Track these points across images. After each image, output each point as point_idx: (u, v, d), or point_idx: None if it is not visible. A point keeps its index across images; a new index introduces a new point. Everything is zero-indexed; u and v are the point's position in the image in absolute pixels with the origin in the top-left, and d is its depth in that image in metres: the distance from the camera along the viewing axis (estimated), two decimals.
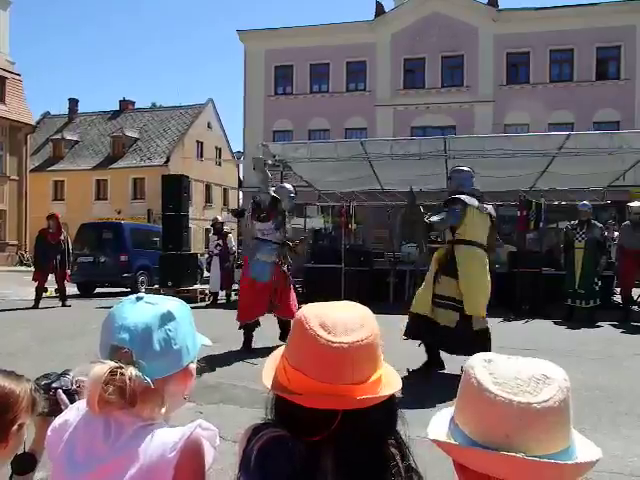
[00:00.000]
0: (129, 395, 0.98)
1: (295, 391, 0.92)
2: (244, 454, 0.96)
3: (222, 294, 11.47)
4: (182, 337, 1.09)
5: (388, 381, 0.95)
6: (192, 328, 1.15)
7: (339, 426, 0.90)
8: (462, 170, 5.56)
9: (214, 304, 11.03)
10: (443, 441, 0.81)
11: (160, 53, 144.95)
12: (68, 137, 36.97)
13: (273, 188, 6.66)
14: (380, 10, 26.11)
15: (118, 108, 39.34)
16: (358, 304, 1.00)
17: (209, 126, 37.42)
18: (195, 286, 12.36)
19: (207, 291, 11.85)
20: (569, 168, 11.58)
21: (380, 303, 10.65)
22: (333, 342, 0.89)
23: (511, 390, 0.75)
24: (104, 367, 0.99)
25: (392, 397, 0.96)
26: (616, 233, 9.95)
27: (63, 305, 10.26)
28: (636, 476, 2.98)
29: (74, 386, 1.25)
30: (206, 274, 13.22)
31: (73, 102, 40.20)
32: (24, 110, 29.50)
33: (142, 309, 1.07)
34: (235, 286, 13.46)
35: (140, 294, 1.13)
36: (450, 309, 4.97)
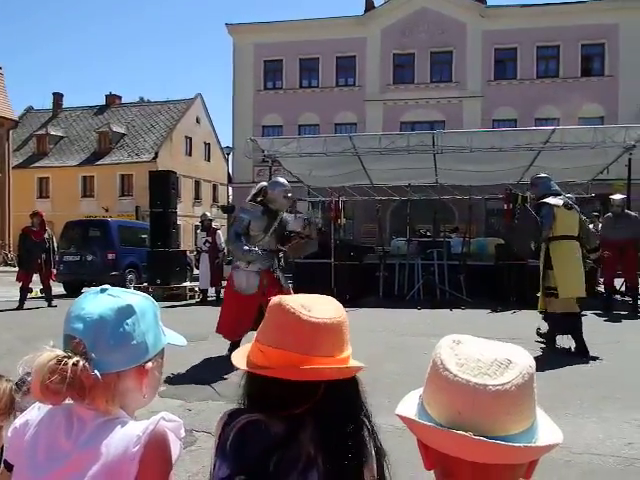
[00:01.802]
0: (77, 386, 0.96)
1: (271, 367, 0.97)
2: (220, 440, 0.99)
3: (212, 291, 11.42)
4: (141, 333, 1.05)
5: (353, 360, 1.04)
6: (156, 325, 1.10)
7: (321, 398, 0.98)
8: (543, 177, 6.32)
9: (204, 301, 10.93)
10: (403, 415, 0.83)
11: (147, 47, 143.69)
12: (53, 132, 36.36)
13: (264, 183, 5.84)
14: (370, 5, 26.17)
15: (104, 103, 38.82)
16: (331, 298, 1.10)
17: (198, 121, 37.16)
18: (184, 283, 12.21)
19: (196, 288, 11.78)
20: (555, 162, 11.76)
21: (370, 297, 10.77)
22: (316, 317, 0.99)
23: (471, 372, 0.77)
24: (50, 355, 0.96)
25: (357, 378, 1.06)
26: (599, 225, 10.11)
27: (49, 305, 10.02)
28: (615, 456, 3.09)
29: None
30: (196, 271, 13.14)
31: (57, 96, 39.52)
32: (5, 105, 28.92)
33: (102, 301, 1.04)
34: (224, 283, 13.44)
35: (105, 286, 1.10)
36: (554, 297, 5.85)
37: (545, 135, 11.20)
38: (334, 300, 1.08)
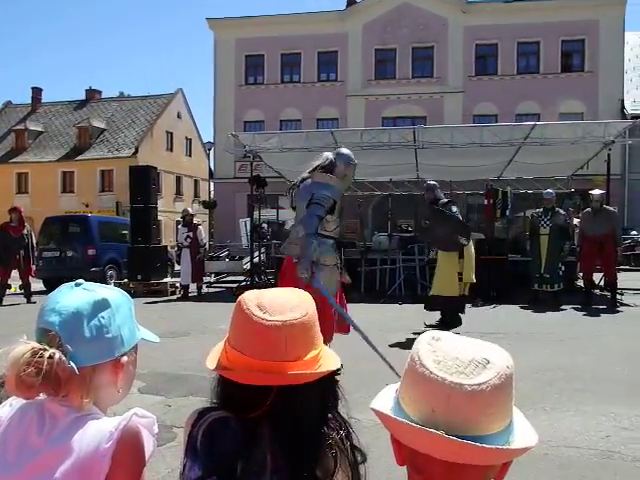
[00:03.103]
0: (52, 379, 0.95)
1: (231, 369, 0.96)
2: (189, 439, 0.97)
3: (193, 287, 11.36)
4: (116, 327, 1.06)
5: (325, 361, 0.99)
6: (131, 320, 1.11)
7: (274, 402, 0.94)
8: (434, 183, 7.00)
9: (185, 297, 10.90)
10: (377, 409, 0.82)
11: (128, 42, 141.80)
12: (32, 127, 35.77)
13: (330, 154, 4.54)
14: (351, 0, 26.11)
15: (84, 98, 38.34)
16: (301, 291, 1.04)
17: (179, 116, 36.85)
18: (166, 279, 12.20)
19: (178, 284, 11.72)
20: (535, 157, 11.87)
21: (352, 293, 10.75)
22: (267, 320, 0.94)
23: (448, 370, 0.76)
24: (26, 347, 0.96)
25: (331, 378, 1.01)
26: (576, 220, 10.25)
27: (28, 302, 9.93)
28: (592, 449, 3.11)
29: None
30: (177, 267, 13.07)
31: (37, 91, 38.90)
32: None
33: (77, 294, 1.05)
34: (206, 278, 13.38)
35: (80, 280, 1.09)
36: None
37: (525, 131, 11.27)
38: (304, 296, 1.02)
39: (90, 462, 0.95)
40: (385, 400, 0.84)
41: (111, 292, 1.09)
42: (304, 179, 4.47)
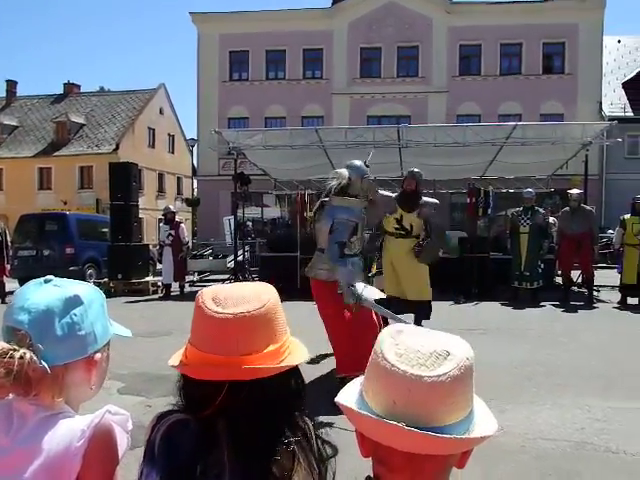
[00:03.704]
0: (23, 380, 0.93)
1: (190, 366, 0.94)
2: (147, 444, 0.94)
3: (175, 286, 11.26)
4: (89, 324, 1.03)
5: (290, 356, 0.95)
6: (103, 315, 1.08)
7: (229, 399, 0.91)
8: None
9: (167, 296, 10.80)
10: (341, 403, 0.83)
11: (108, 35, 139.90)
12: (6, 122, 34.72)
13: (345, 172, 4.35)
14: None
15: (62, 92, 37.56)
16: (267, 285, 1.01)
17: (161, 112, 36.37)
18: (147, 278, 12.04)
19: (159, 283, 11.59)
20: (516, 157, 12.04)
21: None
22: (219, 312, 0.91)
23: (409, 362, 0.77)
24: None
25: (294, 373, 0.97)
26: (551, 219, 10.43)
27: (3, 302, 9.75)
28: (568, 441, 3.21)
29: None
30: (159, 266, 12.94)
31: (11, 84, 37.82)
32: None
33: (47, 291, 1.02)
34: (189, 277, 13.28)
35: (49, 277, 1.06)
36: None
37: (507, 131, 11.43)
38: (267, 289, 0.98)
39: (61, 461, 0.93)
40: (350, 394, 0.85)
41: (82, 288, 1.06)
42: (324, 202, 4.37)
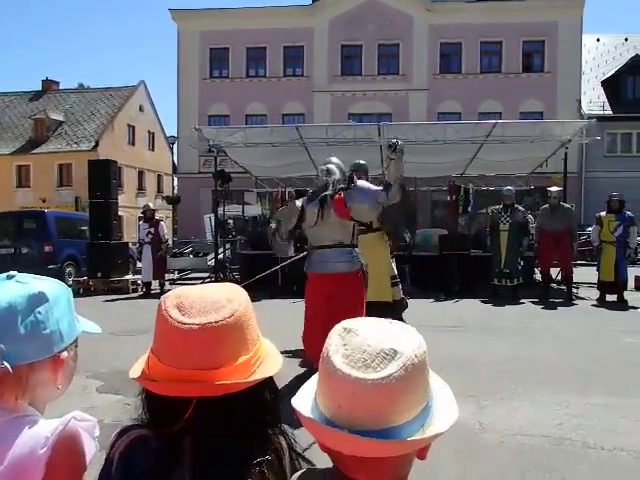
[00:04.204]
0: None
1: (151, 378, 0.86)
2: (105, 462, 0.90)
3: (155, 284, 11.17)
4: (54, 321, 0.99)
5: (263, 366, 0.88)
6: (70, 312, 1.05)
7: (196, 415, 0.84)
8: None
9: (147, 295, 10.71)
10: (294, 404, 0.81)
11: (87, 32, 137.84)
12: None
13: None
14: None
15: (41, 88, 37.04)
16: (237, 287, 0.93)
17: (141, 109, 36.01)
18: (127, 276, 11.95)
19: (139, 281, 11.50)
20: (496, 155, 12.13)
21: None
22: (183, 323, 0.83)
23: (354, 364, 0.74)
24: None
25: (267, 385, 0.90)
26: (529, 216, 10.55)
27: None
28: (546, 437, 3.22)
29: None
30: (139, 264, 12.83)
31: None
32: None
33: (10, 288, 0.98)
34: (168, 275, 13.15)
35: (12, 273, 1.03)
36: (398, 284, 5.92)
37: (487, 129, 11.50)
38: (236, 293, 0.90)
39: (23, 468, 0.89)
40: (308, 392, 0.83)
41: (47, 284, 1.03)
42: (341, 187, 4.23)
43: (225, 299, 0.87)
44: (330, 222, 4.26)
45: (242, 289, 0.93)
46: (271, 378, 0.91)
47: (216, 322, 0.83)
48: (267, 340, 0.95)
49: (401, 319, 5.69)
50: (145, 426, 0.90)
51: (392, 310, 5.67)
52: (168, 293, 0.91)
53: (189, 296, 0.88)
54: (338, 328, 0.81)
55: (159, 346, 0.87)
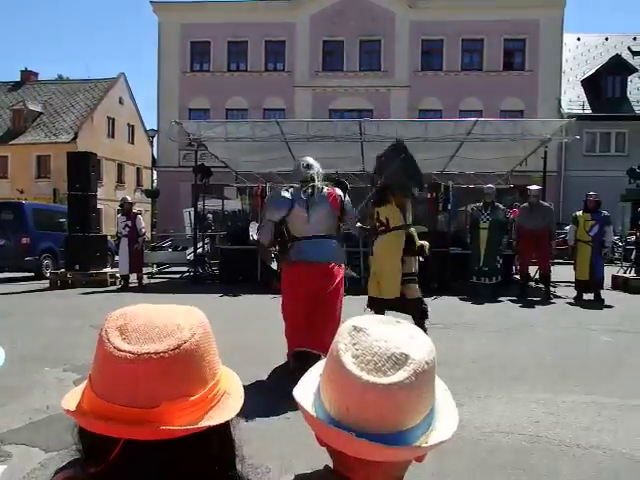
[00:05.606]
0: None
1: (81, 410, 0.73)
2: None
3: (134, 277, 11.05)
4: None
5: (216, 408, 0.73)
6: None
7: (125, 456, 0.70)
8: None
9: (125, 288, 10.60)
10: (298, 401, 0.79)
11: (67, 23, 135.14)
12: None
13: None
14: None
15: (19, 79, 36.38)
16: (195, 311, 0.78)
17: (121, 101, 35.53)
18: (105, 269, 11.84)
19: (118, 274, 11.39)
20: (476, 153, 12.19)
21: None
22: (119, 349, 0.70)
23: (365, 366, 0.73)
24: None
25: (221, 432, 0.75)
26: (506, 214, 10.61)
27: None
28: (522, 434, 3.23)
29: None
30: (117, 257, 12.72)
31: None
32: None
33: None
34: (146, 269, 13.01)
35: None
36: (415, 283, 5.68)
37: (467, 126, 11.54)
38: (192, 320, 0.75)
39: None
40: (309, 385, 0.82)
41: None
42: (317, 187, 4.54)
43: (175, 325, 0.73)
44: (320, 213, 4.42)
45: (202, 314, 0.78)
46: (226, 425, 0.76)
47: (156, 353, 0.69)
48: (231, 373, 0.81)
49: (421, 325, 5.17)
50: (82, 462, 0.77)
51: (401, 308, 5.45)
52: (117, 311, 0.77)
53: (137, 317, 0.74)
54: (348, 325, 0.80)
55: (93, 372, 0.74)
